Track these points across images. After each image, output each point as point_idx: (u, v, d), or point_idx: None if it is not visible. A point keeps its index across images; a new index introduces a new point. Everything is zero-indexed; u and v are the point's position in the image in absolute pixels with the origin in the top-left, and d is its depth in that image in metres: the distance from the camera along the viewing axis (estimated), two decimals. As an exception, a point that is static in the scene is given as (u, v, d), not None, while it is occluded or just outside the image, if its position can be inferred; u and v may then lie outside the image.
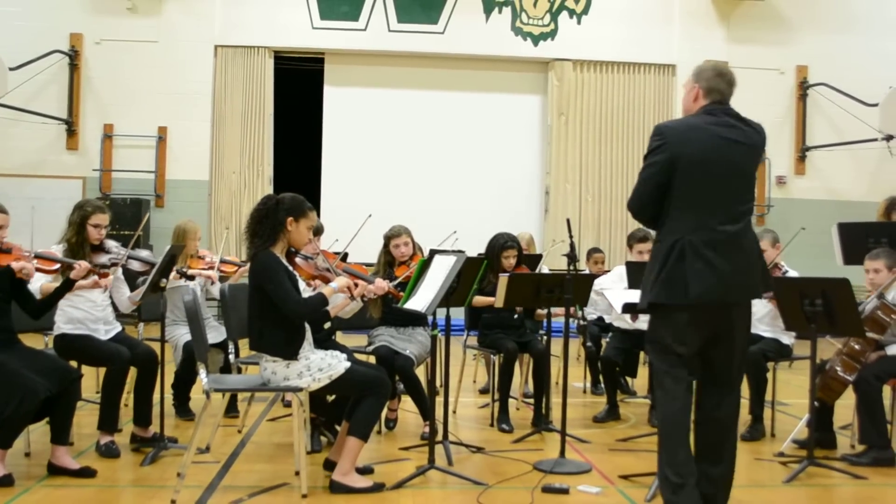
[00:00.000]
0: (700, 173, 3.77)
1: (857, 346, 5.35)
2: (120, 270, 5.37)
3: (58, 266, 4.92)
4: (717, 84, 3.97)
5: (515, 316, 6.34)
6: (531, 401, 6.44)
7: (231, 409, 6.20)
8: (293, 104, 13.71)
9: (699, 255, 3.70)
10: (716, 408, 3.89)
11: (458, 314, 6.42)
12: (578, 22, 13.81)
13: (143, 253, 5.72)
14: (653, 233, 4.04)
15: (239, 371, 5.89)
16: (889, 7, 14.26)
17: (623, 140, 13.80)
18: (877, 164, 13.63)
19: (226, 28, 13.23)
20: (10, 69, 11.47)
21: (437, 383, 5.42)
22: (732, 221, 3.79)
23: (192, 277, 5.76)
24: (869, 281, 5.51)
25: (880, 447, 5.20)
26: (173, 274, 5.32)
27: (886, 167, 13.68)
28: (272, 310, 4.33)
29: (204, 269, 6.25)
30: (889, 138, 12.14)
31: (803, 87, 14.05)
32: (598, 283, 6.74)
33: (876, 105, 12.15)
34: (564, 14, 13.79)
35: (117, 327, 5.42)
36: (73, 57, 12.86)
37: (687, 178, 3.77)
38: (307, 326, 4.47)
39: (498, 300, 5.51)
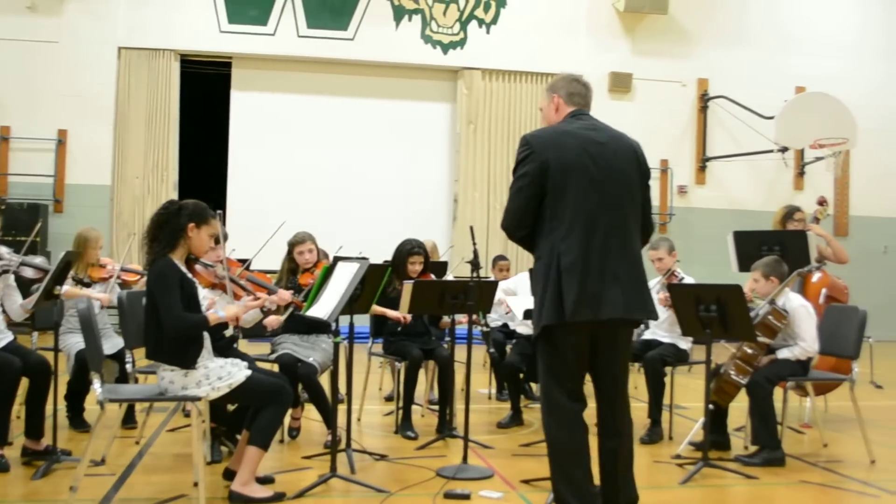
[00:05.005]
0: (574, 180, 3.55)
1: (749, 351, 5.53)
2: (12, 277, 5.20)
3: None
4: (575, 88, 3.79)
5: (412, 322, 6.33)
6: (436, 407, 6.46)
7: (129, 420, 6.05)
8: (200, 109, 13.47)
9: (577, 270, 3.51)
10: (603, 443, 3.73)
11: (363, 321, 6.40)
12: (487, 31, 13.96)
13: (38, 259, 5.55)
14: None
15: (136, 381, 5.75)
16: (783, 23, 14.82)
17: (531, 149, 13.93)
18: (773, 175, 14.17)
19: (129, 30, 12.93)
20: None
21: (342, 391, 5.38)
22: (613, 231, 3.60)
23: (88, 285, 5.62)
24: (749, 289, 5.68)
25: (771, 448, 5.38)
26: (69, 282, 5.18)
27: (782, 178, 14.27)
28: (168, 318, 4.23)
29: (105, 276, 6.10)
30: (784, 150, 12.62)
31: (704, 100, 14.49)
32: (503, 287, 6.79)
33: (772, 118, 12.57)
34: (474, 23, 13.92)
35: (8, 336, 5.22)
36: (-32, 56, 12.42)
37: (561, 186, 3.55)
38: (206, 334, 4.39)
39: (402, 307, 5.52)
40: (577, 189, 3.57)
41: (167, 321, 4.19)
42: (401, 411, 6.17)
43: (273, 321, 5.52)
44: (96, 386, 4.33)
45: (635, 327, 3.89)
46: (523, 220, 3.68)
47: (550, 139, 3.66)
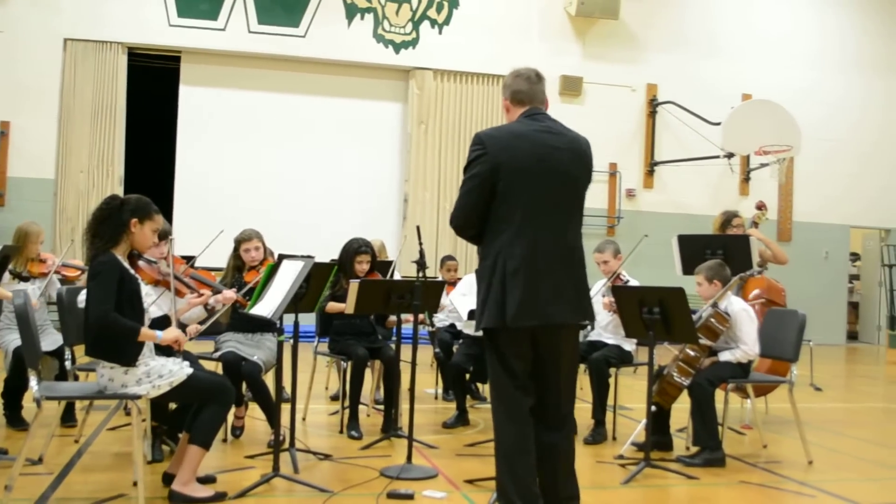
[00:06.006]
0: (524, 184, 3.55)
1: (692, 353, 5.60)
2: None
3: None
4: (518, 85, 3.75)
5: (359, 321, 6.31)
6: (382, 407, 6.44)
7: (69, 419, 5.94)
8: (147, 103, 13.26)
9: (521, 275, 3.51)
10: (546, 438, 3.69)
11: (309, 320, 6.36)
12: (440, 32, 13.97)
13: (-26, 254, 5.42)
14: None
15: (76, 378, 5.65)
16: (731, 32, 15.06)
17: (481, 150, 13.98)
18: (719, 180, 14.38)
19: (76, 21, 12.69)
20: None
21: (287, 390, 5.34)
22: (559, 236, 3.61)
23: (27, 279, 5.51)
24: (697, 292, 5.79)
25: (712, 448, 5.45)
26: (6, 276, 5.07)
27: (727, 183, 14.50)
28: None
29: (45, 272, 5.98)
30: (730, 156, 12.79)
31: (653, 105, 14.66)
32: (450, 298, 6.82)
33: (719, 124, 12.76)
34: (426, 24, 13.92)
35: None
36: None
37: (511, 190, 3.54)
38: (147, 331, 4.32)
39: (349, 306, 5.49)
40: (527, 194, 3.56)
41: (92, 315, 4.12)
42: (346, 411, 6.14)
43: (192, 331, 5.42)
44: (33, 383, 4.25)
45: (582, 329, 3.87)
46: (470, 220, 3.67)
47: (504, 140, 3.62)
